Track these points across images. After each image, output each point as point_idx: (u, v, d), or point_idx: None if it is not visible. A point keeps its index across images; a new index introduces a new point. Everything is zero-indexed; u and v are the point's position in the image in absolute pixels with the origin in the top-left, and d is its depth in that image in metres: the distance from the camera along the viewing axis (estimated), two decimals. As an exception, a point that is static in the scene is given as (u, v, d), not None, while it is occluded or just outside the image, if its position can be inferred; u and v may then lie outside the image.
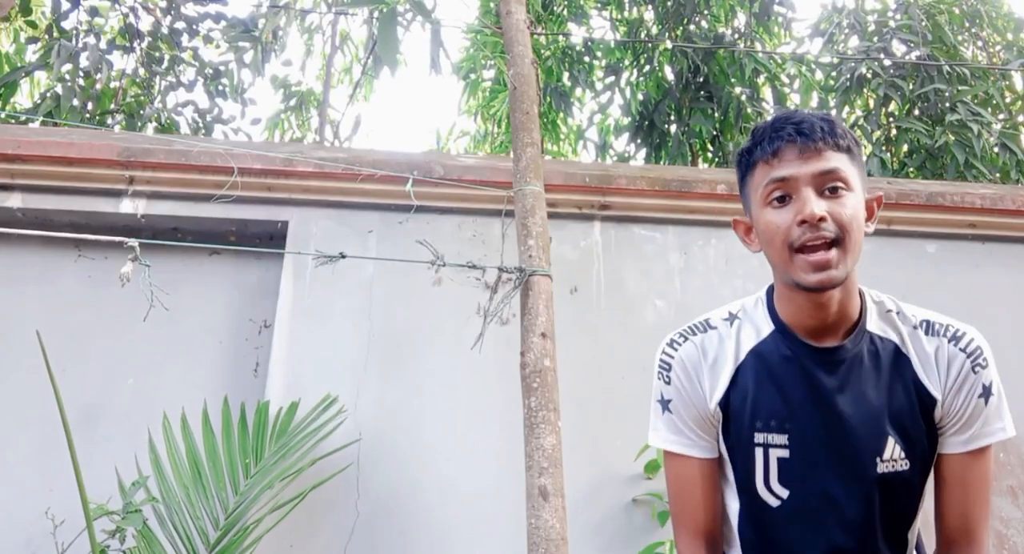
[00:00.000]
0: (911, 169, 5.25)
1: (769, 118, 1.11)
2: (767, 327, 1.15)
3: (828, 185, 1.03)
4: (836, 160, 1.04)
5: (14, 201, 2.61)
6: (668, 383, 1.17)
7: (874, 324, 1.12)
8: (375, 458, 2.40)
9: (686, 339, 1.17)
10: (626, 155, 6.16)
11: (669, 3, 5.91)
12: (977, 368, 1.09)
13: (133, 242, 2.03)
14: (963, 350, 1.10)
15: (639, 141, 5.97)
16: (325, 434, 2.25)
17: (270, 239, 2.75)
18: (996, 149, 4.91)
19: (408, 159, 2.75)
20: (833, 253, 1.01)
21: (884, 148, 5.33)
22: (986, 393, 1.08)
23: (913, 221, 2.85)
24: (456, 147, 7.81)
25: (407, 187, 2.58)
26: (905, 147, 5.32)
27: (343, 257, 2.28)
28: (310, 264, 2.56)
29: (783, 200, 1.05)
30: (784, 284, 1.10)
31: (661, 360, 1.18)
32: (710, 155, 6.03)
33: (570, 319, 2.57)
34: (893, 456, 1.08)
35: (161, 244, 2.39)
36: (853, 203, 1.04)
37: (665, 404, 1.17)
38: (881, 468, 1.08)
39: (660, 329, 2.68)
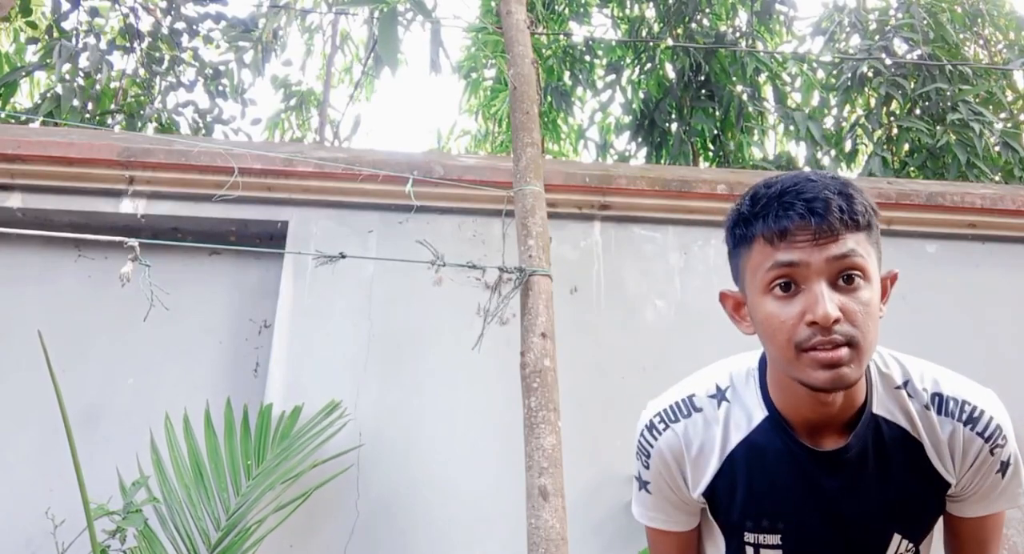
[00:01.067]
0: (912, 168, 5.24)
1: (773, 184, 0.93)
2: (759, 413, 1.02)
3: (844, 273, 0.88)
4: (853, 241, 0.88)
5: (14, 201, 2.61)
6: (647, 468, 1.08)
7: (880, 406, 1.00)
8: (375, 458, 2.40)
9: (667, 426, 1.05)
10: (627, 154, 6.16)
11: (671, 1, 5.90)
12: (996, 449, 0.98)
13: (133, 242, 2.03)
14: (980, 435, 0.98)
15: (640, 140, 5.97)
16: (327, 437, 2.25)
17: (270, 239, 2.75)
18: (998, 148, 4.90)
19: (408, 159, 2.75)
20: (845, 352, 0.87)
21: (885, 147, 5.33)
22: (1004, 468, 0.99)
23: (913, 221, 2.85)
24: (457, 146, 7.81)
25: (407, 187, 2.58)
26: (906, 146, 5.31)
27: (343, 257, 2.28)
28: (310, 264, 2.56)
29: (788, 288, 0.89)
30: (784, 375, 0.96)
31: (640, 444, 1.08)
32: (711, 154, 6.02)
33: (570, 319, 2.57)
34: (899, 551, 1.03)
35: (161, 244, 2.39)
36: (869, 296, 0.89)
37: (643, 484, 1.11)
38: None
39: (660, 329, 2.70)
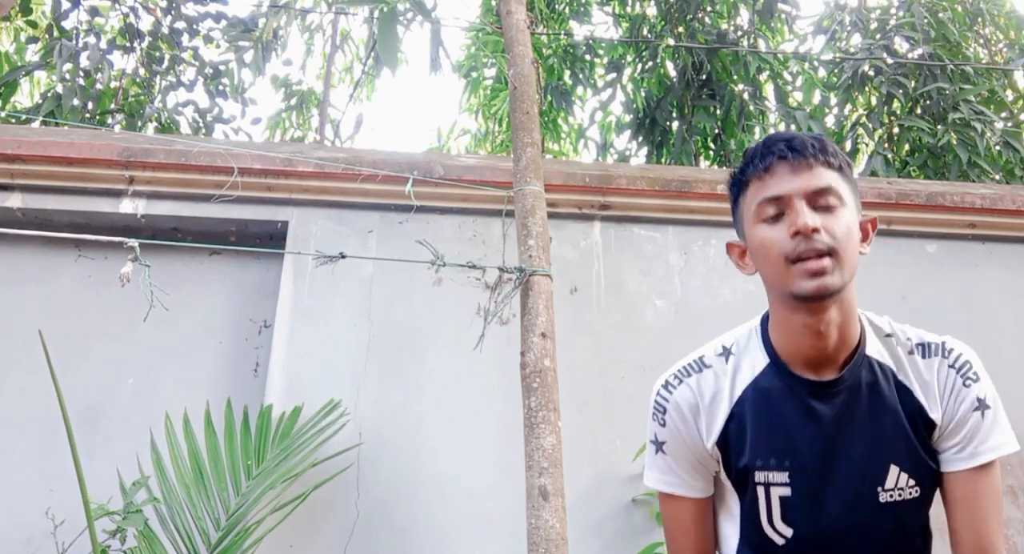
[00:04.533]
0: (913, 168, 5.24)
1: (760, 140, 1.12)
2: (762, 360, 1.13)
3: (821, 201, 1.04)
4: (828, 177, 1.05)
5: (14, 201, 2.61)
6: (663, 426, 1.16)
7: (873, 348, 1.11)
8: (375, 458, 2.40)
9: (681, 381, 1.16)
10: (627, 153, 6.15)
11: None
12: (968, 381, 1.09)
13: (133, 242, 2.03)
14: (952, 366, 1.10)
15: (640, 139, 5.96)
16: (327, 437, 2.25)
17: (270, 239, 2.75)
18: (999, 148, 4.89)
19: (408, 159, 2.74)
20: (827, 261, 1.01)
21: (886, 146, 5.32)
22: (981, 406, 1.08)
23: (913, 221, 2.85)
24: (457, 146, 7.80)
25: (407, 187, 2.58)
26: (907, 146, 5.30)
27: (343, 257, 2.28)
28: (310, 264, 2.56)
29: (777, 218, 1.05)
30: (781, 303, 1.09)
31: (656, 402, 1.17)
32: (712, 153, 6.02)
33: (570, 319, 2.57)
34: (899, 484, 1.08)
35: (161, 244, 2.40)
36: (846, 219, 1.04)
37: (659, 446, 1.17)
38: (883, 497, 1.07)
39: (660, 329, 2.69)
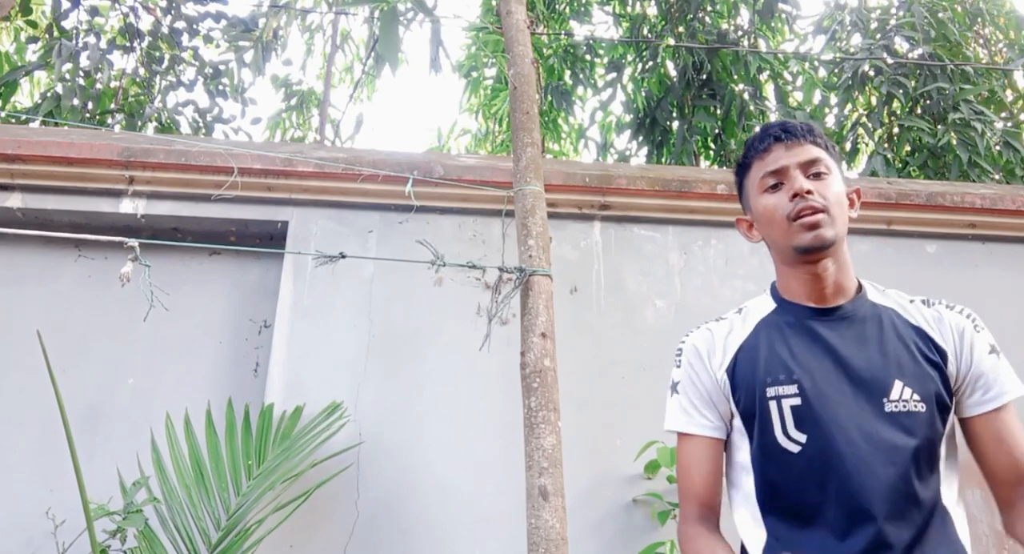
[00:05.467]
0: (913, 168, 5.24)
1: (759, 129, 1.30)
2: (771, 304, 1.29)
3: (812, 171, 1.21)
4: (816, 151, 1.23)
5: (14, 201, 2.61)
6: (679, 367, 1.29)
7: (873, 296, 1.25)
8: (375, 458, 2.40)
9: (699, 328, 1.32)
10: (627, 153, 6.15)
11: (672, -1, 5.90)
12: (979, 327, 1.22)
13: (133, 242, 2.03)
14: (960, 313, 1.23)
15: (641, 139, 5.96)
16: (327, 437, 2.25)
17: (270, 239, 2.75)
18: (999, 148, 4.89)
19: (408, 159, 2.74)
20: (822, 215, 1.17)
21: (886, 146, 5.32)
22: (994, 350, 1.20)
23: (913, 221, 2.85)
24: (457, 145, 7.80)
25: (407, 187, 2.57)
26: (907, 146, 5.30)
27: (343, 257, 2.28)
28: (310, 264, 2.56)
29: (776, 188, 1.22)
30: (784, 259, 1.25)
31: (677, 349, 1.32)
32: (712, 153, 6.01)
33: (570, 319, 2.57)
34: (903, 397, 1.14)
35: (161, 244, 2.39)
36: (835, 186, 1.21)
37: (674, 387, 1.29)
38: (888, 407, 1.14)
39: (660, 329, 2.69)
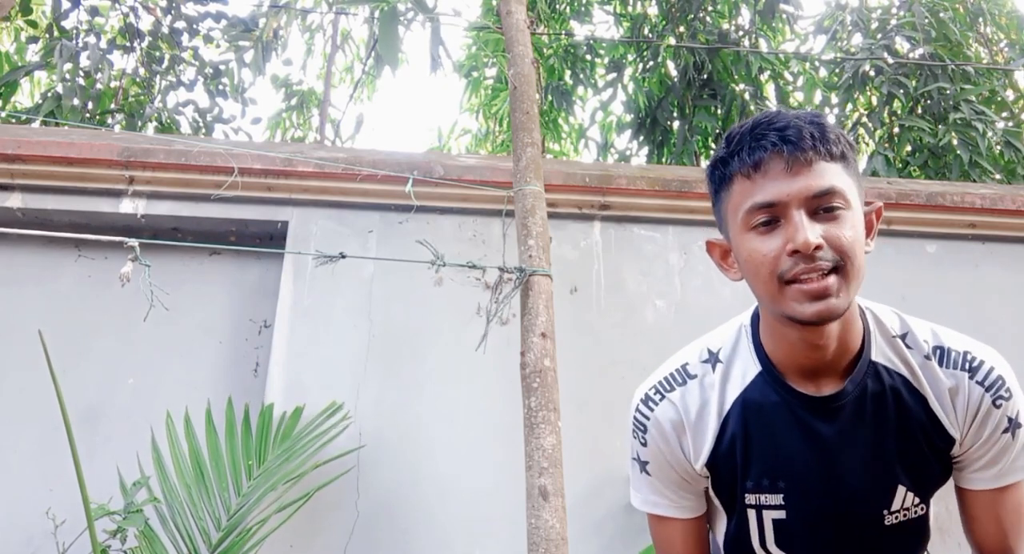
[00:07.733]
0: (914, 168, 5.24)
1: (747, 122, 0.92)
2: (753, 368, 0.99)
3: (824, 206, 0.86)
4: (830, 173, 0.86)
5: (14, 201, 2.61)
6: (644, 445, 1.03)
7: (879, 353, 0.97)
8: (375, 458, 2.40)
9: (663, 396, 1.02)
10: (628, 153, 6.15)
11: (673, -1, 5.90)
12: (999, 401, 0.94)
13: (133, 242, 2.03)
14: (982, 384, 0.95)
15: (641, 139, 5.96)
16: (329, 439, 2.25)
17: (270, 239, 2.75)
18: (1000, 148, 4.89)
19: (408, 159, 2.74)
20: (832, 279, 0.85)
21: (887, 146, 5.32)
22: (1012, 426, 0.95)
23: (913, 221, 2.85)
24: (458, 145, 7.80)
25: (407, 187, 2.57)
26: (908, 146, 5.30)
27: (343, 257, 2.28)
28: (310, 264, 2.56)
29: (769, 225, 0.87)
30: (773, 317, 0.94)
31: (636, 419, 1.04)
32: (712, 154, 6.00)
33: (570, 319, 2.56)
34: (904, 505, 0.98)
35: (161, 244, 2.39)
36: (852, 223, 0.86)
37: (643, 465, 1.05)
38: (889, 520, 0.98)
39: (660, 329, 2.69)
